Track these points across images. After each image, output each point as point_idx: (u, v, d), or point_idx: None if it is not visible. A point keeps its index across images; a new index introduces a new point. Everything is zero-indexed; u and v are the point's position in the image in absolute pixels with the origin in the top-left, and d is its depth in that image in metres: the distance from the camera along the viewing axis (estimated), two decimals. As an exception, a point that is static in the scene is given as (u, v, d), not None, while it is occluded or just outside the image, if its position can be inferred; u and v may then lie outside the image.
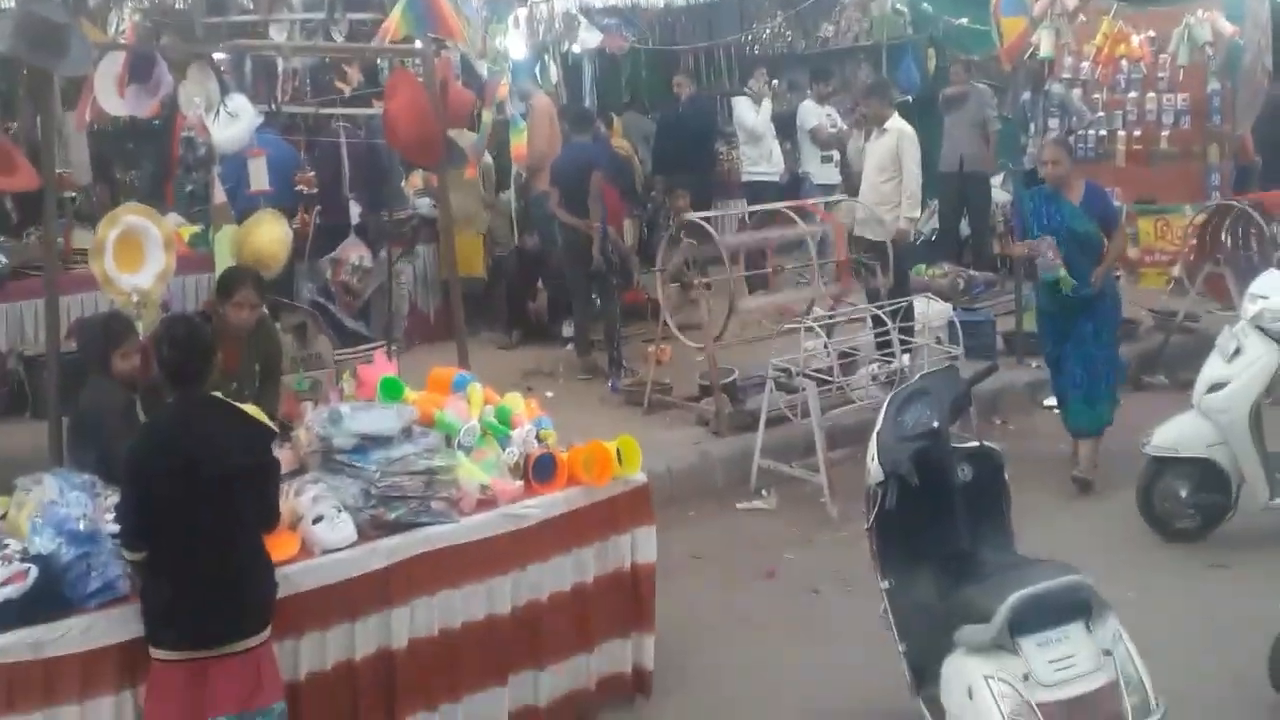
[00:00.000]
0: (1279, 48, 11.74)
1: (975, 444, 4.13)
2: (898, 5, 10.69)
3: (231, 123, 5.11)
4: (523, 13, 10.05)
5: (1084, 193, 6.35)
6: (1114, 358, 6.54)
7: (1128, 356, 8.29)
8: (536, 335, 9.05)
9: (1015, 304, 8.20)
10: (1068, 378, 6.45)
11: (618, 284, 8.48)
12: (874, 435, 4.05)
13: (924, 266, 9.68)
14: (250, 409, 3.71)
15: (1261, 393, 5.47)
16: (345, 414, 3.94)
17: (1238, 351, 5.53)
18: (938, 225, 10.58)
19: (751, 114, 10.09)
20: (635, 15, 11.02)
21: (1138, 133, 10.20)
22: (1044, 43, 8.15)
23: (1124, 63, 10.03)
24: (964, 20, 10.62)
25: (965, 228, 10.47)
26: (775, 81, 12.42)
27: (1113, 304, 6.55)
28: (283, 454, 4.02)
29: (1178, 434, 5.62)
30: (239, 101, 5.24)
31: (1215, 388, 5.55)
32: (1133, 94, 10.27)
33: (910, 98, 11.70)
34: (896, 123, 7.84)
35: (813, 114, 10.40)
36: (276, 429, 3.88)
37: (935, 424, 3.96)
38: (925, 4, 11.12)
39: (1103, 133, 10.33)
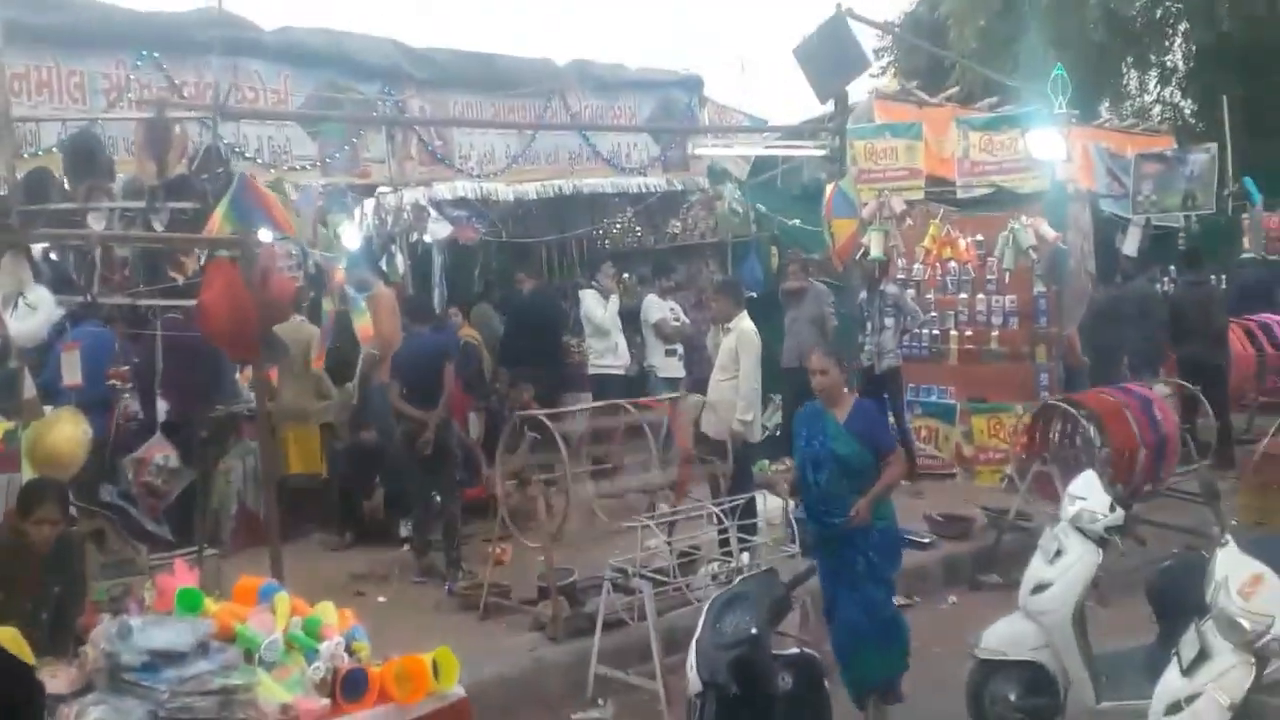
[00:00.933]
0: (1103, 252, 12.97)
1: (796, 651, 4.25)
2: (733, 205, 11.37)
3: (29, 315, 5.08)
4: (370, 203, 10.38)
5: (850, 411, 5.83)
6: (891, 604, 6.00)
7: (965, 554, 8.71)
8: (372, 535, 8.91)
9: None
10: (843, 627, 5.81)
11: (461, 479, 8.50)
12: (693, 642, 4.13)
13: (766, 462, 9.99)
14: (6, 638, 3.58)
15: (1084, 594, 5.74)
16: (135, 628, 3.83)
17: (1059, 553, 5.81)
18: (780, 420, 10.98)
19: (599, 308, 10.47)
20: (487, 208, 11.46)
21: (969, 332, 10.93)
22: (874, 244, 8.76)
23: (952, 265, 10.80)
24: (796, 221, 11.35)
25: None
26: (627, 276, 12.96)
27: (886, 539, 5.90)
28: (68, 673, 3.87)
29: (1005, 636, 5.81)
30: (39, 293, 5.23)
31: (1039, 589, 5.80)
32: (963, 295, 11.05)
33: (755, 294, 12.36)
34: (741, 323, 8.20)
35: (656, 308, 10.85)
36: (32, 660, 3.71)
37: (754, 630, 4.08)
38: (759, 205, 11.85)
39: (935, 332, 11.01)
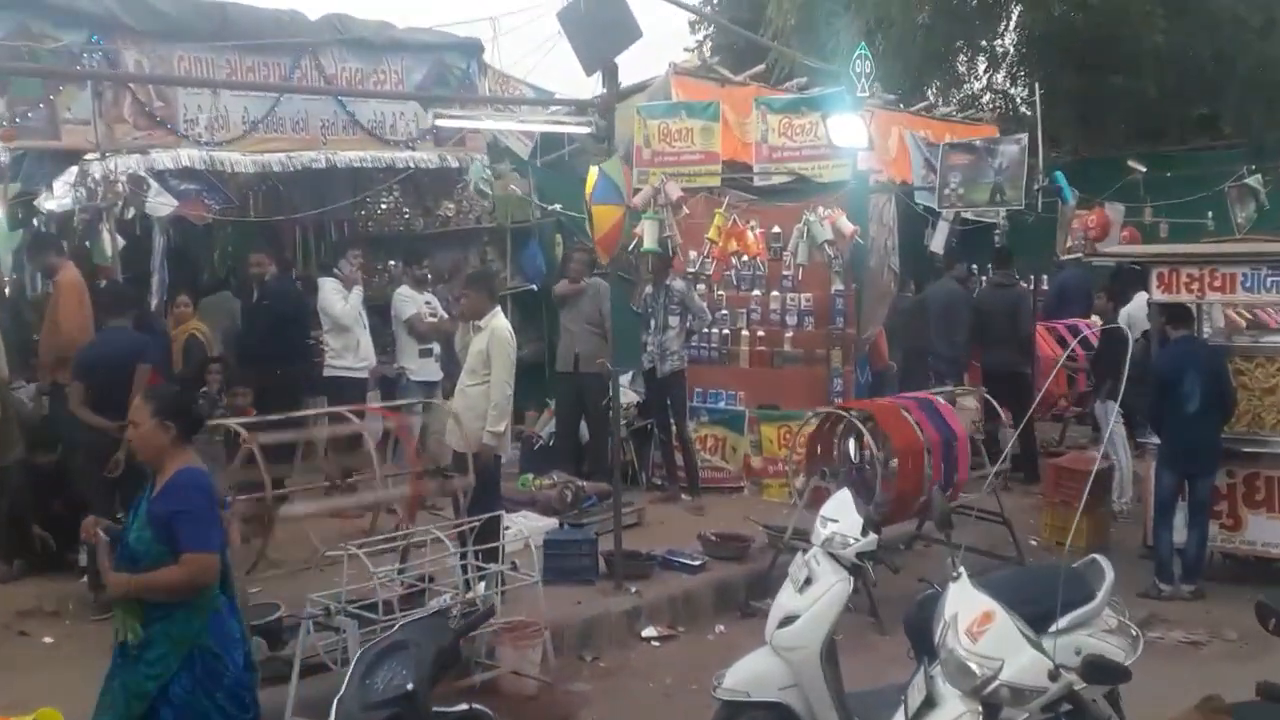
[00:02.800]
0: (918, 249, 13.17)
1: (464, 708, 3.96)
2: (479, 185, 11.04)
3: None
4: (72, 172, 9.64)
5: (166, 483, 4.53)
6: None
7: (739, 577, 8.61)
8: (46, 564, 8.23)
9: (614, 521, 8.29)
10: None
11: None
12: (335, 702, 3.79)
13: (530, 476, 9.73)
14: None
15: (833, 626, 5.64)
16: None
17: (809, 581, 5.70)
18: (555, 429, 10.73)
19: (339, 300, 9.92)
20: (223, 182, 10.82)
21: (761, 333, 10.88)
22: (647, 234, 8.55)
23: (738, 259, 10.73)
24: (557, 206, 11.09)
25: (585, 432, 10.66)
26: (394, 264, 12.50)
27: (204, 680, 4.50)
28: None
29: (749, 675, 5.64)
30: None
31: (786, 622, 5.68)
32: (756, 292, 11.00)
33: (535, 287, 12.09)
34: (493, 320, 7.84)
35: (409, 302, 10.40)
36: None
37: (410, 686, 3.76)
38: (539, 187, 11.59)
39: (726, 332, 10.94)
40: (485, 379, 7.73)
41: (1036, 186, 11.31)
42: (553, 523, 8.95)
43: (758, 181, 11.45)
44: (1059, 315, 13.27)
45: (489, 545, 7.07)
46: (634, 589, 8.06)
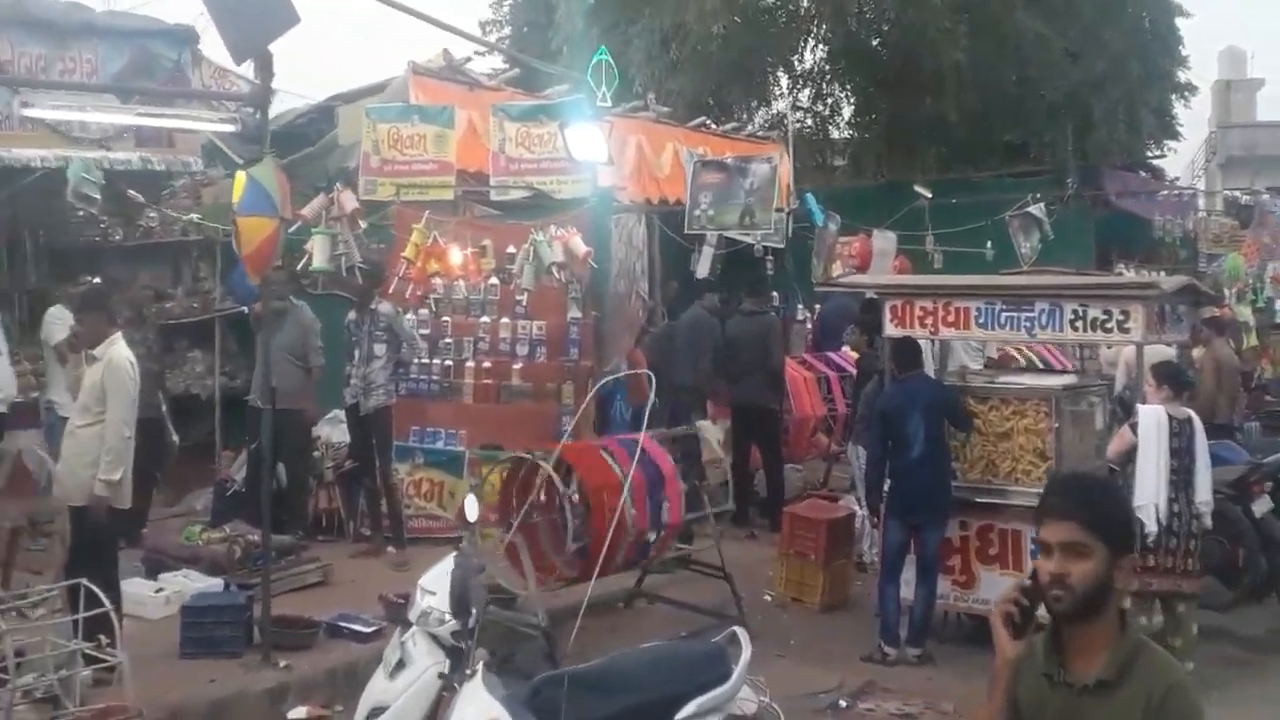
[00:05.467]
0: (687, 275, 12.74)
1: None
2: (82, 188, 10.19)
3: None
4: None
5: None
6: None
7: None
8: None
9: (263, 583, 7.55)
10: None
11: None
12: None
13: (197, 529, 8.95)
14: None
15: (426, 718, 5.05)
16: None
17: (401, 664, 5.13)
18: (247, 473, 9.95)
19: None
20: None
21: (488, 364, 10.24)
22: (317, 251, 7.88)
23: (438, 281, 10.10)
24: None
25: (283, 476, 9.90)
26: (94, 279, 11.53)
27: None
28: None
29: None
30: None
31: (375, 714, 5.08)
32: (486, 319, 10.38)
33: (248, 309, 11.27)
34: (113, 349, 7.02)
35: (61, 324, 9.47)
36: None
37: None
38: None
39: (449, 363, 10.29)
40: (100, 418, 6.94)
41: (785, 210, 10.96)
42: (216, 583, 8.18)
43: (494, 196, 10.90)
44: (824, 347, 12.99)
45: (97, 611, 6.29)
46: (284, 663, 7.32)
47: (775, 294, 13.58)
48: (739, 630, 5.37)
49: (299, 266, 8.28)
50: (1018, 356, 12.72)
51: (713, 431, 9.48)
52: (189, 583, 8.23)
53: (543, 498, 8.24)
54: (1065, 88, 18.28)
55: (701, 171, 11.06)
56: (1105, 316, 8.04)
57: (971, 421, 8.31)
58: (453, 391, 10.27)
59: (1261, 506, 9.42)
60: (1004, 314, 8.37)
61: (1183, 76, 22.10)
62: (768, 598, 9.44)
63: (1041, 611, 2.94)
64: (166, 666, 7.19)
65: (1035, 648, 2.98)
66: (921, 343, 9.35)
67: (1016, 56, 18.23)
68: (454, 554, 5.61)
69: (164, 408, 10.11)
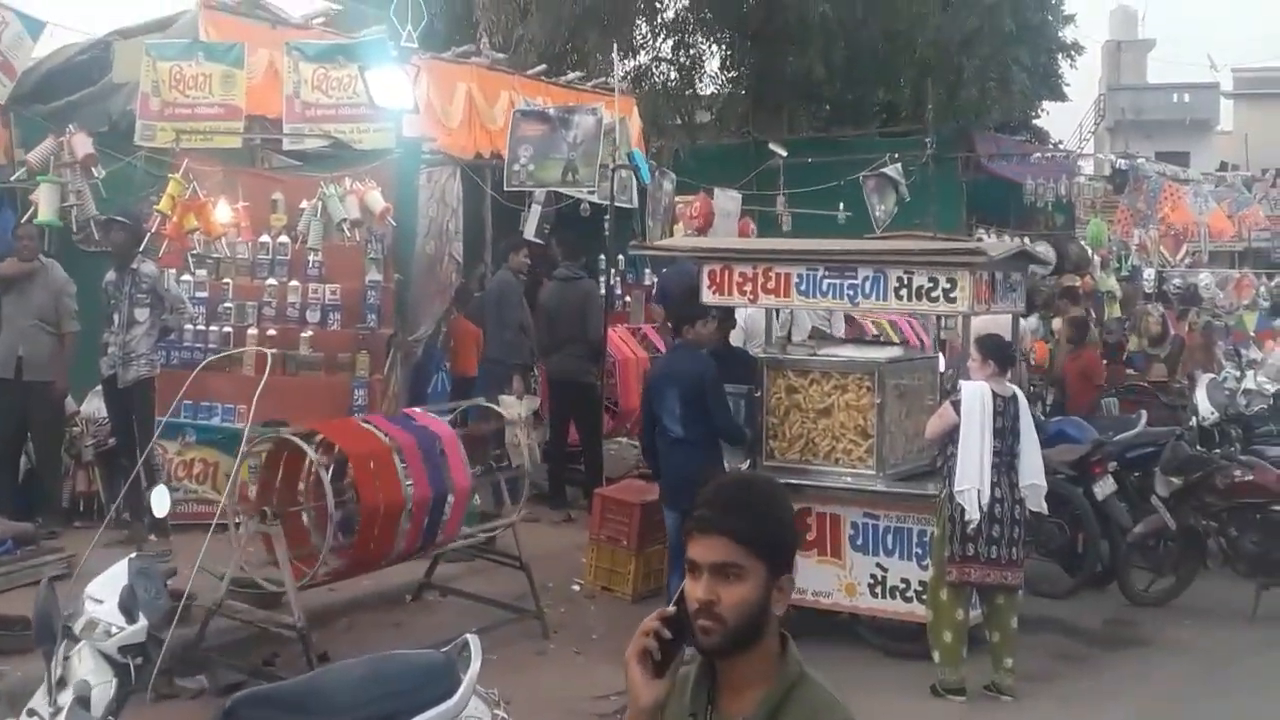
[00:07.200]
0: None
1: None
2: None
3: None
4: None
5: None
6: None
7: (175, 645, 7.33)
8: None
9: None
10: None
11: None
12: None
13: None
14: None
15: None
16: None
17: (63, 682, 4.52)
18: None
19: None
20: None
21: (273, 332, 9.51)
22: (44, 201, 7.14)
23: (196, 238, 9.34)
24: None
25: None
26: None
27: None
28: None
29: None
30: None
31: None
32: (273, 281, 9.68)
33: None
34: None
35: None
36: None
37: None
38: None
39: (229, 330, 9.57)
40: None
41: (611, 167, 10.38)
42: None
43: (289, 144, 10.19)
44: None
45: None
46: (-4, 669, 6.63)
47: (621, 258, 13.05)
48: (471, 638, 4.84)
49: (23, 220, 7.48)
50: (872, 329, 12.35)
51: (516, 407, 8.92)
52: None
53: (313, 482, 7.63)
54: (936, 42, 17.98)
55: (521, 122, 10.43)
56: (931, 285, 7.63)
57: (738, 427, 7.84)
58: (234, 361, 9.54)
59: (1104, 488, 9.18)
60: (826, 281, 7.93)
61: (1069, 35, 22.01)
62: (576, 587, 8.94)
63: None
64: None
65: (687, 680, 2.50)
66: (754, 311, 8.93)
67: (887, 9, 17.89)
68: (131, 557, 5.06)
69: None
